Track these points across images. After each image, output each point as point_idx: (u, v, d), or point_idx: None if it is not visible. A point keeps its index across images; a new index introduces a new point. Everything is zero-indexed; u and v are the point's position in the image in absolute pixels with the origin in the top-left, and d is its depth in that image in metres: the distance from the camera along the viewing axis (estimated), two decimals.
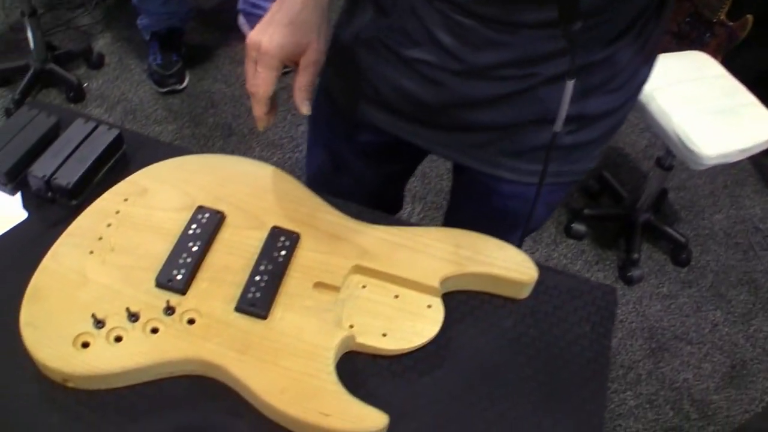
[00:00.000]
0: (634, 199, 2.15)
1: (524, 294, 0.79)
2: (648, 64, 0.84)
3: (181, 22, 2.36)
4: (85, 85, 2.29)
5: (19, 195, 0.83)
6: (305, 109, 0.78)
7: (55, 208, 0.82)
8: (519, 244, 0.82)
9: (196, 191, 0.80)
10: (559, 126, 0.74)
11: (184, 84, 2.35)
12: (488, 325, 0.77)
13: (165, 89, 2.31)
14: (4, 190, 0.83)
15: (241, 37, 2.56)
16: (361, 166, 1.07)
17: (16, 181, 0.82)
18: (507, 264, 0.77)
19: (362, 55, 0.89)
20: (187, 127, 2.27)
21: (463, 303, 0.78)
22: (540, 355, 0.75)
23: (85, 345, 0.66)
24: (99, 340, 0.66)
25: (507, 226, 0.95)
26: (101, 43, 2.49)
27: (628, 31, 0.77)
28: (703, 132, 1.77)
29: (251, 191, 0.80)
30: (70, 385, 0.66)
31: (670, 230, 2.19)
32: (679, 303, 2.09)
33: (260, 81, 0.75)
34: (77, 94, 2.23)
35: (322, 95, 0.97)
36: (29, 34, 2.11)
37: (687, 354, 1.98)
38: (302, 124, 2.30)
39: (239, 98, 2.39)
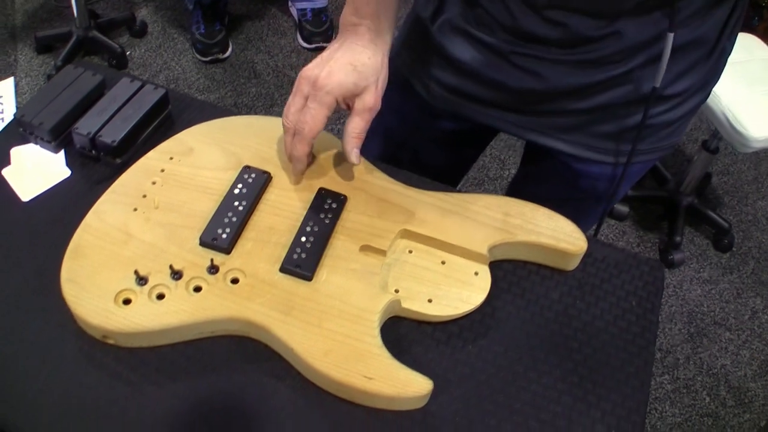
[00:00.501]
0: (678, 182, 2.12)
1: (572, 265, 0.77)
2: (732, 37, 0.82)
3: None
4: (128, 53, 2.30)
5: (62, 153, 0.83)
6: (355, 158, 0.74)
7: (98, 167, 0.82)
8: (600, 222, 0.81)
9: (242, 151, 0.79)
10: (658, 81, 0.76)
11: (228, 53, 2.35)
12: (535, 296, 0.75)
13: (208, 58, 2.31)
14: (47, 148, 0.83)
15: (285, 8, 2.56)
16: (433, 154, 1.06)
17: (60, 138, 0.82)
18: (557, 234, 0.75)
19: (450, 44, 0.86)
20: (230, 97, 2.27)
21: (510, 273, 0.77)
22: (586, 328, 0.74)
23: (127, 302, 0.66)
24: (141, 297, 0.66)
25: (589, 206, 0.93)
26: (144, 12, 2.50)
27: (722, 3, 0.75)
28: (751, 114, 1.75)
29: None
30: (110, 342, 0.66)
31: (713, 214, 2.15)
32: (719, 288, 2.06)
33: (309, 118, 0.71)
34: (120, 62, 2.24)
35: (389, 86, 0.95)
36: (73, 1, 2.12)
37: (726, 340, 1.95)
38: None
39: (282, 69, 2.38)
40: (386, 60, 0.76)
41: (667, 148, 0.91)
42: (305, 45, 2.43)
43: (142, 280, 0.66)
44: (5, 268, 0.71)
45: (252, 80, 2.34)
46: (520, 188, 1.08)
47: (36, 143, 0.83)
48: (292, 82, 2.38)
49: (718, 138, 1.89)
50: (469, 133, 0.99)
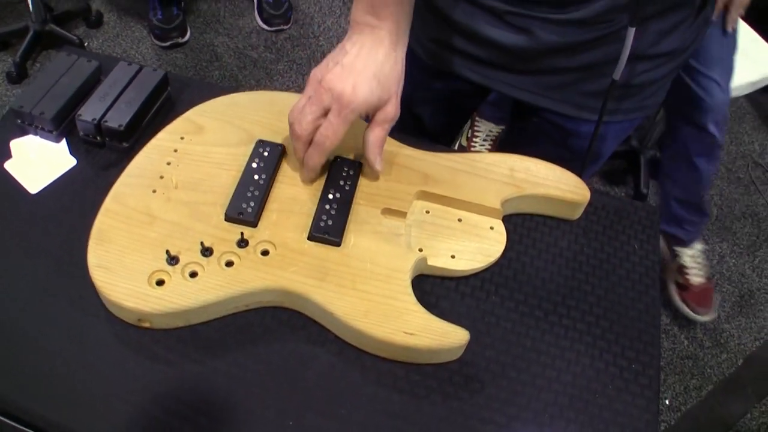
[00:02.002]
0: (640, 137, 2.17)
1: (577, 214, 0.81)
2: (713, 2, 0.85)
3: None
4: (86, 44, 2.26)
5: (64, 142, 0.82)
6: (378, 165, 0.75)
7: (104, 152, 0.82)
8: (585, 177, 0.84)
9: (253, 126, 0.80)
10: (618, 74, 0.78)
11: (186, 37, 2.33)
12: (545, 246, 0.79)
13: (167, 43, 2.29)
14: (49, 138, 0.82)
15: None
16: (430, 115, 1.08)
17: (61, 127, 0.82)
18: (562, 185, 0.79)
19: (451, 9, 0.87)
20: None
21: (519, 226, 0.80)
22: (596, 272, 0.77)
23: (160, 282, 0.66)
24: (175, 276, 0.66)
25: (578, 166, 0.97)
26: (98, 2, 2.45)
27: None
28: None
29: None
30: (145, 325, 0.67)
31: None
32: None
33: (331, 132, 0.70)
34: None
35: None
36: None
37: None
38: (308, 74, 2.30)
39: (243, 50, 2.37)
40: (404, 66, 0.75)
41: (652, 106, 0.94)
42: (265, 27, 2.41)
43: (173, 260, 0.67)
44: (25, 262, 0.71)
45: (214, 63, 2.32)
46: (509, 149, 1.11)
47: (36, 134, 0.82)
48: (254, 62, 2.38)
49: None
50: (463, 93, 1.01)
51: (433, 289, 0.73)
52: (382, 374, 0.67)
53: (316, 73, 0.71)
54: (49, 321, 0.67)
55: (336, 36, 2.51)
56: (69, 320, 0.68)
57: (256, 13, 2.44)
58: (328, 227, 0.70)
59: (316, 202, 0.73)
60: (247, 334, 0.68)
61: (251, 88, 2.40)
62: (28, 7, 2.10)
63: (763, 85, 1.85)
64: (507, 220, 0.79)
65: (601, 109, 0.84)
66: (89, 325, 0.67)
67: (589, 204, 0.81)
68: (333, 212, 0.72)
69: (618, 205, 0.85)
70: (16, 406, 0.63)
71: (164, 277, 0.66)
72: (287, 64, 2.36)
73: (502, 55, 0.88)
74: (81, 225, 0.72)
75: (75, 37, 2.19)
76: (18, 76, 2.10)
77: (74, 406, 0.63)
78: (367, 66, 0.70)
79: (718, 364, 1.86)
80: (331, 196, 0.73)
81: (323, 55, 2.39)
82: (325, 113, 0.70)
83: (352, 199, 0.74)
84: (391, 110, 0.73)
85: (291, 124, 0.72)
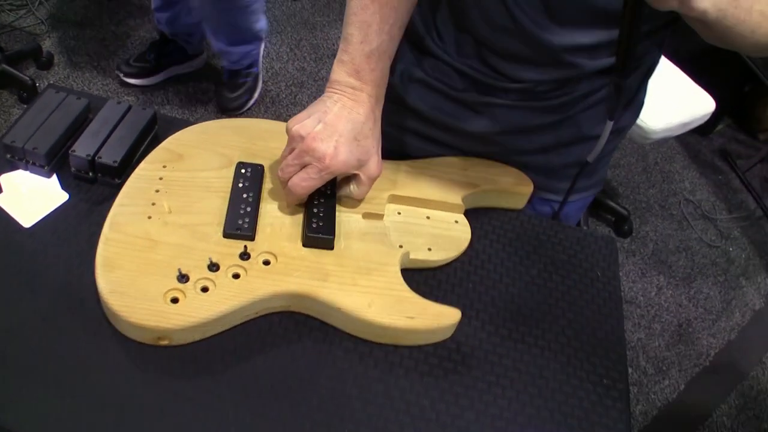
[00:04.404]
0: None
1: (522, 205, 0.93)
2: (645, 86, 0.93)
3: None
4: (38, 84, 2.23)
5: (55, 177, 0.84)
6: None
7: (96, 188, 0.84)
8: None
9: (230, 151, 0.85)
10: (592, 157, 0.85)
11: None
12: (518, 274, 0.86)
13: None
14: (40, 173, 0.83)
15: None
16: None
17: (53, 162, 0.83)
18: (509, 179, 0.91)
19: (407, 94, 0.92)
20: None
21: (493, 256, 0.87)
22: (564, 297, 0.84)
23: (175, 300, 0.69)
24: (188, 292, 0.70)
25: None
26: (48, 43, 2.44)
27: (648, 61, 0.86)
28: (648, 107, 1.89)
29: (280, 144, 0.82)
30: (164, 343, 0.69)
31: (612, 203, 2.30)
32: (626, 270, 2.22)
33: (306, 184, 0.74)
34: (30, 95, 2.17)
35: None
36: None
37: (638, 316, 2.12)
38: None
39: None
40: (380, 125, 0.78)
41: (601, 182, 1.02)
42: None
43: (184, 278, 0.70)
44: (26, 295, 0.72)
45: (165, 106, 2.34)
46: None
47: (26, 169, 0.84)
48: (204, 107, 2.37)
49: None
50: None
51: (412, 283, 0.78)
52: (391, 359, 0.74)
53: (298, 130, 0.73)
54: (52, 352, 0.68)
55: (284, 81, 2.54)
56: (83, 350, 0.69)
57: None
58: (320, 228, 0.76)
59: (303, 211, 0.79)
60: (261, 342, 0.73)
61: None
62: None
63: (693, 126, 1.97)
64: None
65: (569, 188, 0.92)
66: (104, 351, 0.69)
67: (553, 235, 0.91)
68: (321, 215, 0.78)
69: (579, 236, 0.92)
70: None
71: (178, 294, 0.69)
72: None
73: (463, 139, 0.93)
74: (79, 257, 0.75)
75: (28, 78, 2.19)
76: None
77: None
78: (347, 127, 0.73)
79: (661, 390, 1.94)
80: (316, 202, 0.79)
81: (272, 101, 2.45)
82: (305, 166, 0.74)
83: (335, 203, 0.80)
84: (374, 169, 0.77)
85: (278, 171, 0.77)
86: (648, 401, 1.91)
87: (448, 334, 0.76)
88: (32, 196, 0.82)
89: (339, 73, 0.75)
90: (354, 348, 0.74)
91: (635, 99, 0.91)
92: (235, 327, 0.73)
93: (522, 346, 0.78)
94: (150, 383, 0.67)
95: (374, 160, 0.77)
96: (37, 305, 0.72)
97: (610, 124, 0.79)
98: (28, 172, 0.84)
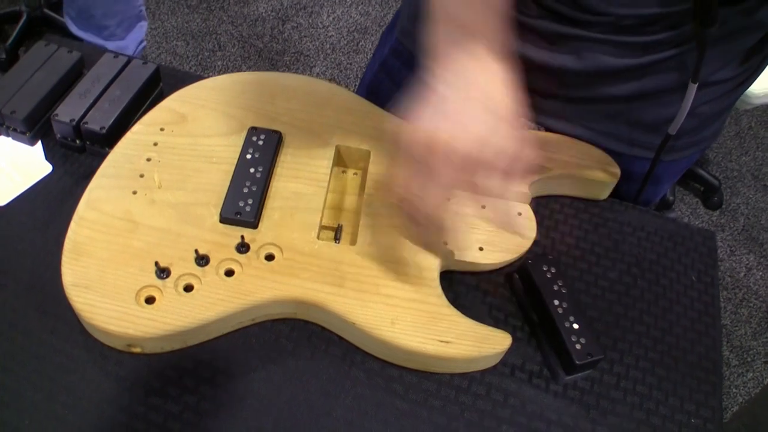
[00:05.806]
0: None
1: (605, 194, 0.76)
2: None
3: None
4: None
5: (39, 145, 0.74)
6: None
7: (84, 158, 0.73)
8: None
9: (242, 112, 0.72)
10: (674, 129, 0.73)
11: None
12: (594, 278, 0.71)
13: None
14: (22, 140, 0.74)
15: None
16: None
17: (36, 128, 0.74)
18: (591, 163, 0.74)
19: None
20: (194, 72, 2.18)
21: (564, 254, 0.73)
22: (651, 309, 0.69)
23: (150, 300, 0.58)
24: (167, 291, 0.58)
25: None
26: None
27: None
28: None
29: (304, 107, 0.72)
30: (136, 351, 0.58)
31: (702, 172, 2.17)
32: None
33: (503, 193, 0.56)
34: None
35: (396, 58, 0.87)
36: None
37: (723, 299, 1.96)
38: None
39: (248, 39, 2.30)
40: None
41: (711, 138, 0.86)
42: None
43: (163, 272, 0.58)
44: None
45: (217, 53, 2.27)
46: None
47: (8, 135, 0.75)
48: (258, 53, 2.29)
49: None
50: None
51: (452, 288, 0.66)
52: (411, 386, 0.60)
53: (416, 136, 0.53)
54: (20, 353, 0.59)
55: (346, 27, 2.42)
56: (44, 351, 0.59)
57: None
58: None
59: (323, 196, 0.66)
60: (252, 355, 0.60)
61: None
62: None
63: None
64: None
65: (659, 148, 0.77)
66: (69, 356, 0.59)
67: (641, 229, 0.75)
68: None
69: (672, 229, 0.76)
70: None
71: (154, 293, 0.58)
72: (294, 56, 2.30)
73: (544, 79, 0.78)
74: (57, 241, 0.63)
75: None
76: (9, 64, 2.02)
77: None
78: (504, 109, 0.55)
79: (743, 383, 1.80)
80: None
81: (332, 48, 2.34)
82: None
83: (362, 191, 0.67)
84: (528, 152, 0.56)
85: (404, 201, 0.59)
86: (729, 395, 1.78)
87: (494, 363, 0.62)
88: (11, 169, 0.73)
89: (438, 36, 0.59)
90: (381, 371, 0.60)
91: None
92: (230, 333, 0.61)
93: (595, 374, 0.63)
94: (121, 395, 0.57)
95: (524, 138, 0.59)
96: (5, 298, 0.62)
97: (693, 88, 0.67)
98: (9, 140, 0.75)
